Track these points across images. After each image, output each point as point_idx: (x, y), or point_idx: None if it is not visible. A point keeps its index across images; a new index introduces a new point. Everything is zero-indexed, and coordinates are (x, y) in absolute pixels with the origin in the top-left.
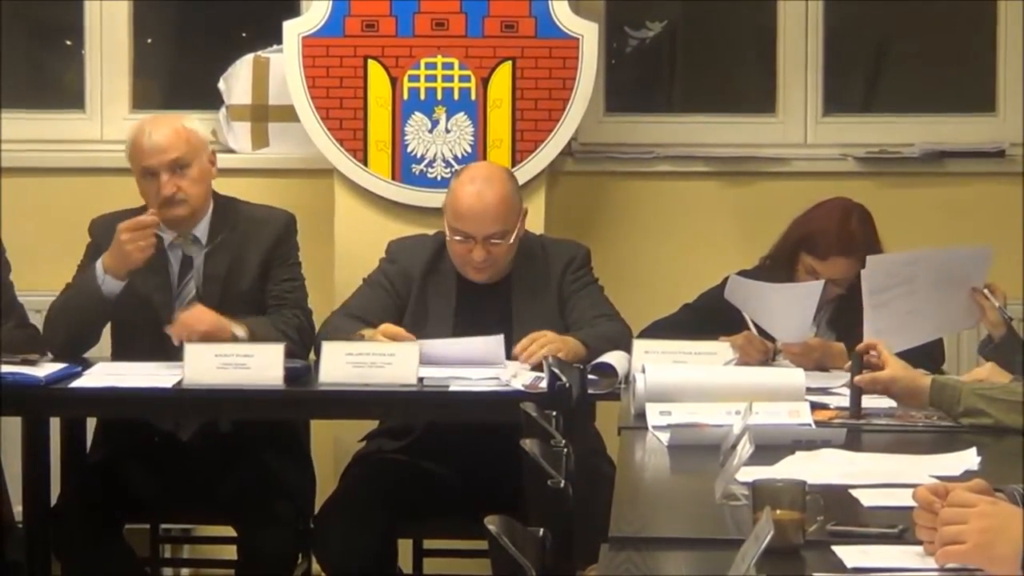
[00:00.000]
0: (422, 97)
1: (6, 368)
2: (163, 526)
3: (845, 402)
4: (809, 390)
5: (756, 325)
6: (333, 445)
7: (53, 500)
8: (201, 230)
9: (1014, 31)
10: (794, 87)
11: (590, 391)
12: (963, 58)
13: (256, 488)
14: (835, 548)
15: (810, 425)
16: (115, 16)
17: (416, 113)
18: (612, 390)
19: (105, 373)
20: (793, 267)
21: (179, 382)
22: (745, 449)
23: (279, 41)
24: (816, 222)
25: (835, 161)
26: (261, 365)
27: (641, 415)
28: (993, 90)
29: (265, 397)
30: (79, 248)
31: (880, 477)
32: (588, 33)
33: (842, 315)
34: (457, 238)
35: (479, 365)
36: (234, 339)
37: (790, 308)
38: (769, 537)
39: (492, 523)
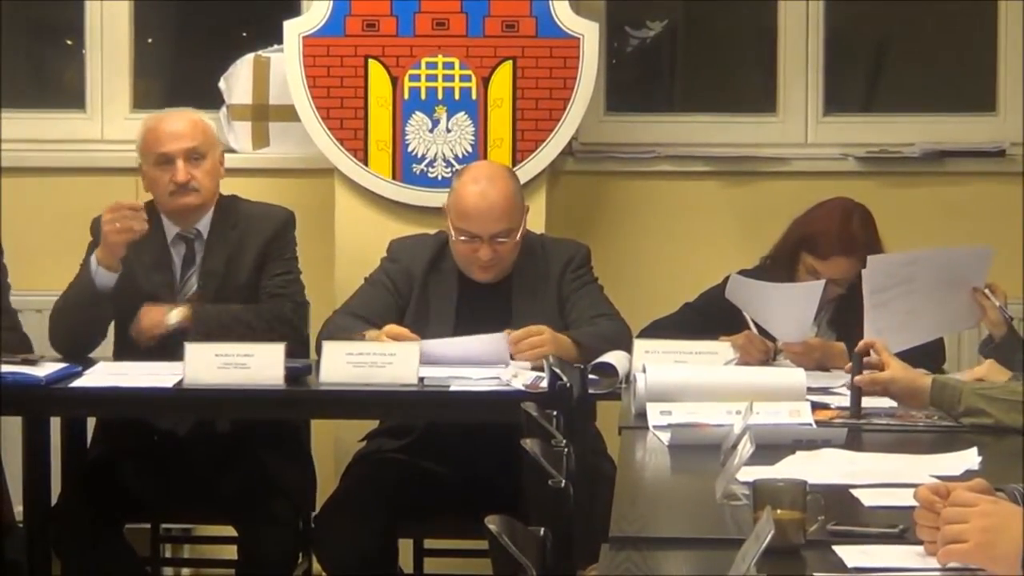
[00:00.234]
0: (423, 97)
1: (6, 368)
2: (163, 526)
3: (846, 402)
4: (810, 390)
5: (757, 325)
6: (333, 445)
7: (53, 500)
8: (203, 225)
9: (1014, 31)
10: (794, 87)
11: (590, 391)
12: (963, 58)
13: (256, 488)
14: (836, 548)
15: (811, 425)
16: (116, 16)
17: (417, 113)
18: (612, 390)
19: (105, 373)
20: (794, 267)
21: (179, 382)
22: (746, 449)
23: (280, 41)
24: (817, 222)
25: (835, 161)
26: (261, 365)
27: (642, 415)
28: (993, 90)
29: (265, 397)
30: (79, 248)
31: (880, 477)
32: (589, 33)
33: (843, 315)
34: (462, 238)
35: (481, 364)
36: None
37: (791, 308)
38: (769, 537)
39: (492, 523)
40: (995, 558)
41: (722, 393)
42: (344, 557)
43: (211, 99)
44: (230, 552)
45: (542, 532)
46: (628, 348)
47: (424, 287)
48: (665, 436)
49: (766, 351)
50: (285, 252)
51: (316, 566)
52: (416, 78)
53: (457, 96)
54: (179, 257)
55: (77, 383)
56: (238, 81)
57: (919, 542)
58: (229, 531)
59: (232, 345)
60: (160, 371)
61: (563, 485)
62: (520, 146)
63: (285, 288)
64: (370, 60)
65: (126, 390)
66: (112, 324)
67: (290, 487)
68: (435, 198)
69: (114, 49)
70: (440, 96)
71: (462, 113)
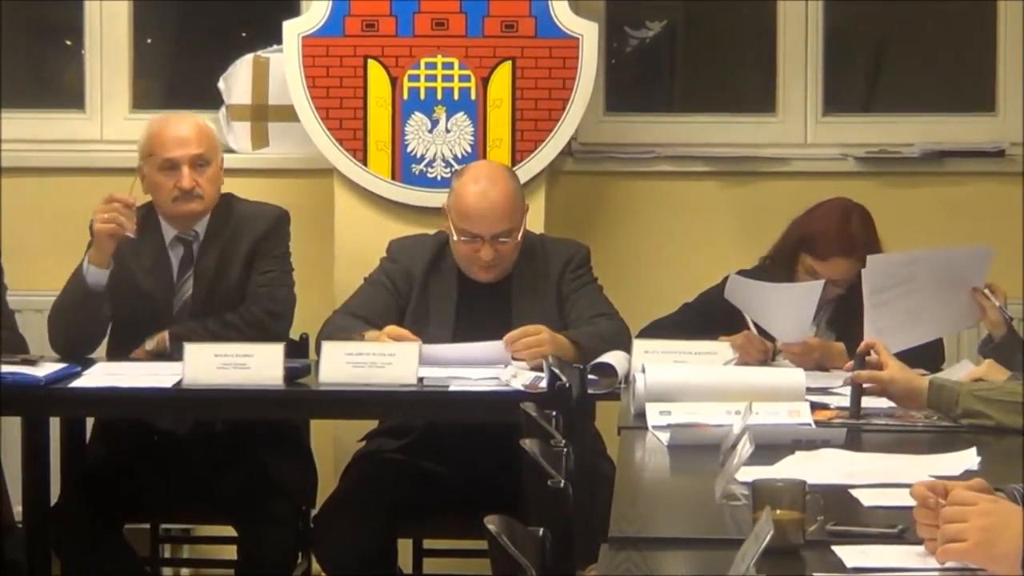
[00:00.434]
0: (422, 97)
1: (6, 368)
2: (163, 526)
3: (845, 402)
4: (809, 390)
5: (756, 325)
6: (333, 445)
7: (53, 500)
8: (201, 227)
9: (1014, 31)
10: (794, 87)
11: (590, 391)
12: (963, 58)
13: (256, 488)
14: (835, 548)
15: (810, 425)
16: (115, 16)
17: (416, 113)
18: (612, 390)
19: (105, 373)
20: (793, 267)
21: (179, 382)
22: (745, 449)
23: (279, 41)
24: (816, 223)
25: (835, 161)
26: (261, 365)
27: (641, 415)
28: (993, 90)
29: (265, 397)
30: (79, 248)
31: (880, 477)
32: (588, 33)
33: (842, 315)
34: (463, 238)
35: (480, 366)
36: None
37: (790, 308)
38: (769, 537)
39: (492, 523)
40: (995, 557)
41: (721, 393)
42: (344, 557)
43: (210, 99)
44: (230, 552)
45: (541, 532)
46: (627, 348)
47: (424, 287)
48: (664, 436)
49: (765, 351)
50: (274, 250)
51: (316, 566)
52: (415, 78)
53: (456, 96)
54: (176, 259)
55: (76, 383)
56: (237, 81)
57: (918, 542)
58: (229, 531)
59: (231, 345)
60: (159, 371)
61: (562, 485)
62: (519, 146)
63: (265, 287)
64: (369, 60)
65: (125, 390)
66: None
67: (290, 487)
68: (434, 198)
69: (114, 49)
70: (439, 96)
71: (461, 113)
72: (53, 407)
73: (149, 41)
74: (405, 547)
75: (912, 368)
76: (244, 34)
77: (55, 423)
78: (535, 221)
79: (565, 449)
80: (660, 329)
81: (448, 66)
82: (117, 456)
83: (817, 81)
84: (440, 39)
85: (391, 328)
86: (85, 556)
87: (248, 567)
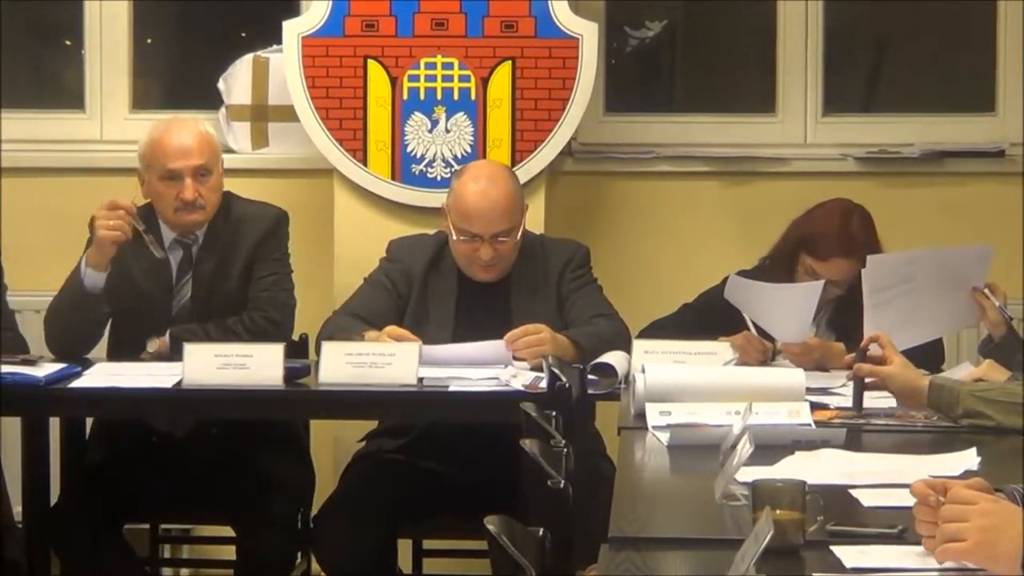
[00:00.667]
0: (422, 97)
1: (6, 368)
2: (162, 526)
3: (845, 402)
4: (809, 390)
5: (756, 325)
6: (333, 445)
7: (53, 500)
8: (200, 230)
9: (1014, 31)
10: (794, 87)
11: (590, 391)
12: (963, 58)
13: (255, 488)
14: (834, 548)
15: (810, 425)
16: (115, 16)
17: (416, 113)
18: (612, 390)
19: (105, 373)
20: (793, 268)
21: (179, 382)
22: (745, 449)
23: (279, 41)
24: (816, 223)
25: (835, 161)
26: (261, 365)
27: (641, 415)
28: (993, 90)
29: (265, 397)
30: (78, 248)
31: (880, 477)
32: (588, 33)
33: (842, 315)
34: (463, 238)
35: (480, 366)
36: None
37: (790, 308)
38: (769, 537)
39: (492, 523)
40: (994, 557)
41: (721, 393)
42: (344, 557)
43: (210, 99)
44: (229, 552)
45: (541, 532)
46: (627, 348)
47: (424, 287)
48: (664, 436)
49: (765, 351)
50: (274, 252)
51: (315, 566)
52: (415, 78)
53: (456, 96)
54: (176, 261)
55: (76, 384)
56: (237, 81)
57: (918, 542)
58: (228, 531)
59: (231, 346)
60: (159, 371)
61: (562, 485)
62: (519, 146)
63: (265, 292)
64: (369, 60)
65: (125, 390)
66: (108, 325)
67: (289, 487)
68: (434, 198)
69: (113, 49)
70: (439, 96)
71: (461, 113)
72: (53, 407)
73: (149, 41)
74: (405, 547)
75: (915, 368)
76: (244, 34)
77: (55, 423)
78: (535, 221)
79: (565, 449)
80: (660, 329)
81: (448, 66)
82: (117, 456)
83: (817, 81)
84: (440, 39)
85: (391, 328)
86: (85, 556)
87: (247, 567)
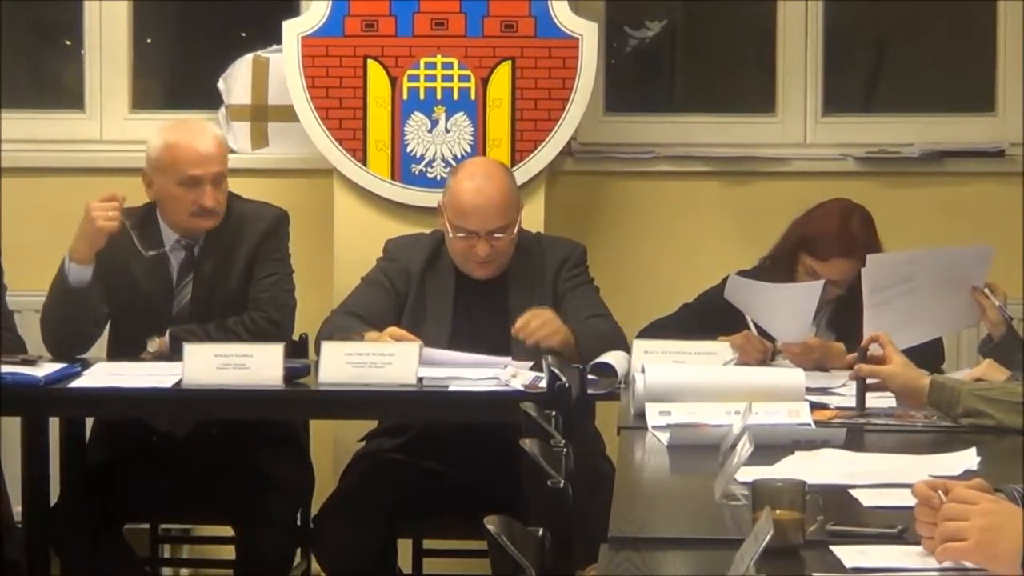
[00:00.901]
0: (421, 97)
1: (6, 368)
2: (162, 526)
3: (845, 402)
4: (809, 390)
5: (756, 325)
6: (333, 445)
7: (53, 500)
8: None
9: (1014, 31)
10: (794, 87)
11: (590, 391)
12: (963, 58)
13: (254, 488)
14: (834, 548)
15: (810, 425)
16: (115, 16)
17: (416, 113)
18: (612, 390)
19: (104, 373)
20: (793, 268)
21: (178, 382)
22: (745, 449)
23: (279, 41)
24: (817, 223)
25: (835, 161)
26: (260, 365)
27: (641, 415)
28: (993, 90)
29: (264, 397)
30: None
31: (880, 477)
32: (588, 33)
33: (842, 315)
34: (460, 235)
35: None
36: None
37: (790, 308)
38: (768, 537)
39: (492, 523)
40: (995, 557)
41: (721, 393)
42: (343, 557)
43: (210, 99)
44: (228, 552)
45: (541, 532)
46: (622, 349)
47: (421, 285)
48: (664, 436)
49: (765, 351)
50: (274, 253)
51: (315, 566)
52: (415, 78)
53: (456, 96)
54: (177, 262)
55: (76, 383)
56: (237, 81)
57: (918, 542)
58: (228, 531)
59: (231, 345)
60: (159, 371)
61: (562, 485)
62: (519, 146)
63: (266, 293)
64: (369, 60)
65: (125, 390)
66: (108, 326)
67: (288, 487)
68: (434, 198)
69: (113, 49)
70: (439, 96)
71: (461, 113)
72: (53, 407)
73: (149, 41)
74: (405, 547)
75: (915, 367)
76: (244, 34)
77: (55, 423)
78: (535, 221)
79: (565, 449)
80: (660, 329)
81: (448, 66)
82: (117, 456)
83: (817, 81)
84: (440, 39)
85: (392, 329)
86: (85, 556)
87: (247, 567)
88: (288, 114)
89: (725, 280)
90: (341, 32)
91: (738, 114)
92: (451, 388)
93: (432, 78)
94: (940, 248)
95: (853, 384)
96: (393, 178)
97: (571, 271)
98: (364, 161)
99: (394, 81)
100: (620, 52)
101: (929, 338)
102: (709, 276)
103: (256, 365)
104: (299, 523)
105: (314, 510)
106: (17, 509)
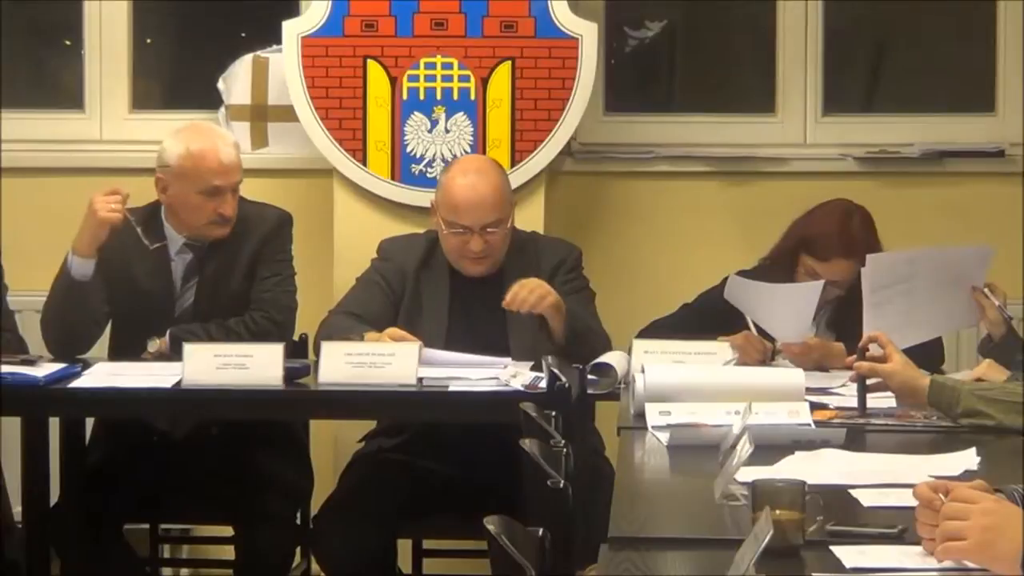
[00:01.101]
0: (421, 97)
1: (6, 368)
2: (162, 526)
3: (845, 402)
4: (809, 390)
5: (756, 325)
6: (333, 445)
7: (53, 500)
8: None
9: (1014, 31)
10: (794, 87)
11: (589, 391)
12: (962, 58)
13: (254, 488)
14: (834, 548)
15: (810, 425)
16: (115, 16)
17: (415, 113)
18: (611, 390)
19: (105, 373)
20: (793, 268)
21: (178, 382)
22: (744, 449)
23: (278, 41)
24: (817, 224)
25: (835, 161)
26: (260, 365)
27: (641, 415)
28: (993, 90)
29: (264, 397)
30: None
31: (880, 477)
32: (587, 33)
33: (842, 316)
34: (453, 231)
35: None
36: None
37: (790, 308)
38: (768, 537)
39: (492, 523)
40: (995, 557)
41: (721, 393)
42: (343, 557)
43: (210, 100)
44: (228, 552)
45: (541, 532)
46: (608, 351)
47: (416, 284)
48: (664, 436)
49: (765, 351)
50: (277, 254)
51: (315, 566)
52: (415, 78)
53: (456, 96)
54: (182, 263)
55: (76, 383)
56: (237, 81)
57: (918, 542)
58: (227, 531)
59: (231, 345)
60: (159, 371)
61: (562, 485)
62: (519, 146)
63: (268, 293)
64: (369, 60)
65: (125, 390)
66: (109, 325)
67: (288, 487)
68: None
69: (113, 50)
70: (439, 96)
71: (461, 113)
72: (53, 407)
73: (149, 41)
74: (405, 547)
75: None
76: (244, 34)
77: (55, 423)
78: (534, 221)
79: (565, 449)
80: (659, 329)
81: (447, 66)
82: (117, 456)
83: (817, 81)
84: (439, 39)
85: (392, 330)
86: (85, 556)
87: (247, 567)
88: (288, 114)
89: (725, 280)
90: (341, 32)
91: (738, 114)
92: (451, 388)
93: (432, 78)
94: (940, 248)
95: (853, 384)
96: (393, 178)
97: (567, 275)
98: (364, 161)
99: (394, 81)
100: (620, 52)
101: (929, 338)
102: (709, 276)
103: (256, 365)
104: (299, 523)
105: (314, 510)
106: (17, 509)
